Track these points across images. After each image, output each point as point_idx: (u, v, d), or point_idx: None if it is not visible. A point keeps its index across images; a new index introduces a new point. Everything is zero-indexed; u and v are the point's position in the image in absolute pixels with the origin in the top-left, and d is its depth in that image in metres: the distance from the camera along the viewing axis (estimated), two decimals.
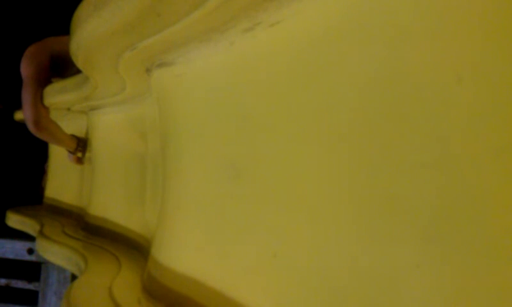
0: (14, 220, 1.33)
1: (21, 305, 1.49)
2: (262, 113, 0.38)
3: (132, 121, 0.78)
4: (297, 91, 0.35)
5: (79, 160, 1.06)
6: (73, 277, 1.30)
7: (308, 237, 0.34)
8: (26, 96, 0.95)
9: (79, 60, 0.54)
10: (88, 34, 0.44)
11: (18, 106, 1.16)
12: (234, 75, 0.41)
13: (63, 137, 1.03)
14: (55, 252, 0.87)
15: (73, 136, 1.05)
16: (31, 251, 1.45)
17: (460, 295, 0.25)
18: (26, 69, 0.96)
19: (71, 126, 1.07)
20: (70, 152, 1.06)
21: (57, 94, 0.87)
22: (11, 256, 1.49)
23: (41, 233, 0.99)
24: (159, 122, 0.57)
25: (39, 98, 0.94)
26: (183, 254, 0.48)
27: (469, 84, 0.24)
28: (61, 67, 1.00)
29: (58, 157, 1.28)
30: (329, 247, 0.32)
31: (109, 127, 0.88)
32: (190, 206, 0.48)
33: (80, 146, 1.05)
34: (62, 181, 1.28)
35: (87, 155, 1.05)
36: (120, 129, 0.83)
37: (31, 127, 0.96)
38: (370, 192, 0.29)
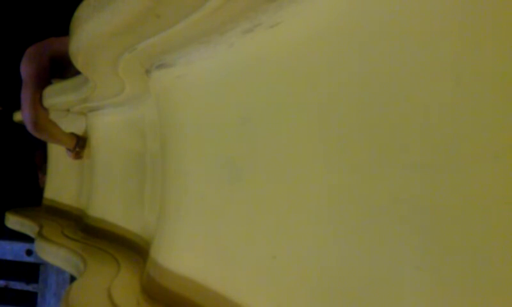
0: (13, 221, 1.33)
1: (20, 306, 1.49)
2: (262, 114, 0.38)
3: (131, 122, 0.78)
4: (297, 91, 0.35)
5: (77, 155, 1.07)
6: (72, 279, 1.30)
7: (307, 239, 0.33)
8: (25, 96, 0.94)
9: (78, 61, 0.54)
10: (87, 36, 0.44)
11: (17, 107, 1.15)
12: (234, 76, 0.41)
13: (62, 137, 1.03)
14: (54, 253, 0.87)
15: (72, 134, 1.05)
16: (29, 253, 1.45)
17: (459, 296, 0.25)
18: (26, 69, 0.96)
19: (70, 127, 1.07)
20: (68, 150, 1.07)
21: (57, 96, 0.87)
22: (9, 258, 1.48)
23: (40, 234, 0.99)
24: (158, 123, 0.57)
25: (38, 98, 0.94)
26: (182, 256, 0.48)
27: (468, 85, 0.24)
28: (61, 68, 1.00)
29: (57, 158, 1.28)
30: (329, 248, 0.32)
31: (108, 128, 0.88)
32: (190, 207, 0.48)
33: (80, 144, 1.05)
34: (61, 182, 1.28)
35: (85, 151, 1.06)
36: (119, 130, 0.83)
37: (29, 127, 0.96)
38: (370, 193, 0.29)
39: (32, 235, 1.15)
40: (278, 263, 0.35)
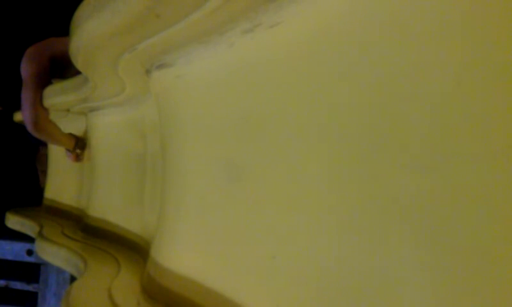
0: (13, 221, 1.33)
1: (20, 306, 1.49)
2: (262, 115, 0.38)
3: (132, 122, 0.78)
4: (298, 92, 0.35)
5: (78, 158, 1.07)
6: (73, 279, 1.30)
7: (307, 239, 0.33)
8: (26, 96, 0.94)
9: (78, 61, 0.54)
10: (87, 36, 0.44)
11: (17, 107, 1.15)
12: (234, 76, 0.41)
13: (62, 137, 1.03)
14: (54, 253, 0.87)
15: (71, 135, 1.05)
16: (30, 252, 1.45)
17: (460, 296, 0.25)
18: (26, 70, 0.96)
19: (70, 127, 1.07)
20: (68, 151, 1.07)
21: (57, 96, 0.87)
22: (10, 258, 1.48)
23: (40, 234, 0.99)
24: (158, 123, 0.57)
25: (38, 98, 0.93)
26: (183, 256, 0.48)
27: (469, 87, 0.24)
28: (61, 68, 1.00)
29: (57, 158, 1.28)
30: (329, 248, 0.32)
31: (109, 128, 0.88)
32: (190, 207, 0.48)
33: (79, 145, 1.05)
34: (61, 182, 1.27)
35: (86, 153, 1.06)
36: (119, 130, 0.83)
37: (29, 128, 0.96)
38: (370, 193, 0.29)
39: (32, 234, 1.15)
40: (278, 263, 0.35)
